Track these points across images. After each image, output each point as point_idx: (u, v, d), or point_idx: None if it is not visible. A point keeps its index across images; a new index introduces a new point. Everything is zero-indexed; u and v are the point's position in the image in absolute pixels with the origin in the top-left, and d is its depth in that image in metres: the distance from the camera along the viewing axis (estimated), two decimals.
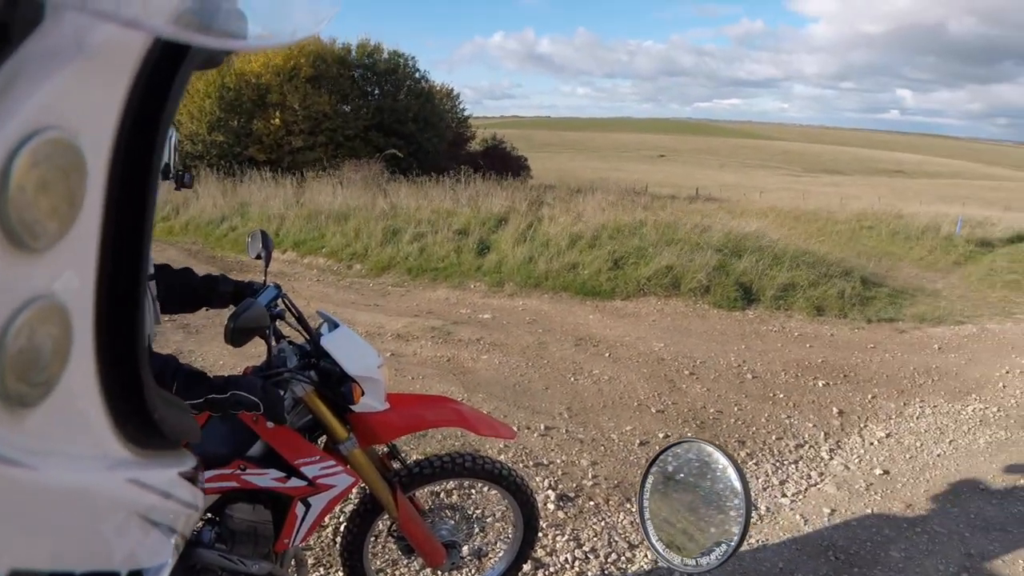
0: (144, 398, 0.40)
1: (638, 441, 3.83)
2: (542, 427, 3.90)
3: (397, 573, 2.46)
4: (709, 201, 19.08)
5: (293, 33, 0.33)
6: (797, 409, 4.53)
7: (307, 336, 1.82)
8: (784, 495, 3.42)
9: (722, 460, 0.86)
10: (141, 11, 0.28)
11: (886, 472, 3.68)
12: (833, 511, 3.25)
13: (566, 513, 3.06)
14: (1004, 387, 5.12)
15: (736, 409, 4.44)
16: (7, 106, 0.27)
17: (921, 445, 4.07)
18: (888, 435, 4.21)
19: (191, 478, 0.49)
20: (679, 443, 0.93)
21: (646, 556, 2.80)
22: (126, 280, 0.36)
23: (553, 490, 3.22)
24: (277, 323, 1.79)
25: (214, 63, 0.38)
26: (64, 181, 0.30)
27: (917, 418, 4.50)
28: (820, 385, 4.99)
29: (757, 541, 2.96)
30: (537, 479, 3.30)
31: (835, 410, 4.54)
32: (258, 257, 1.89)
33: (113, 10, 0.27)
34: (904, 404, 4.74)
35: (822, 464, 3.80)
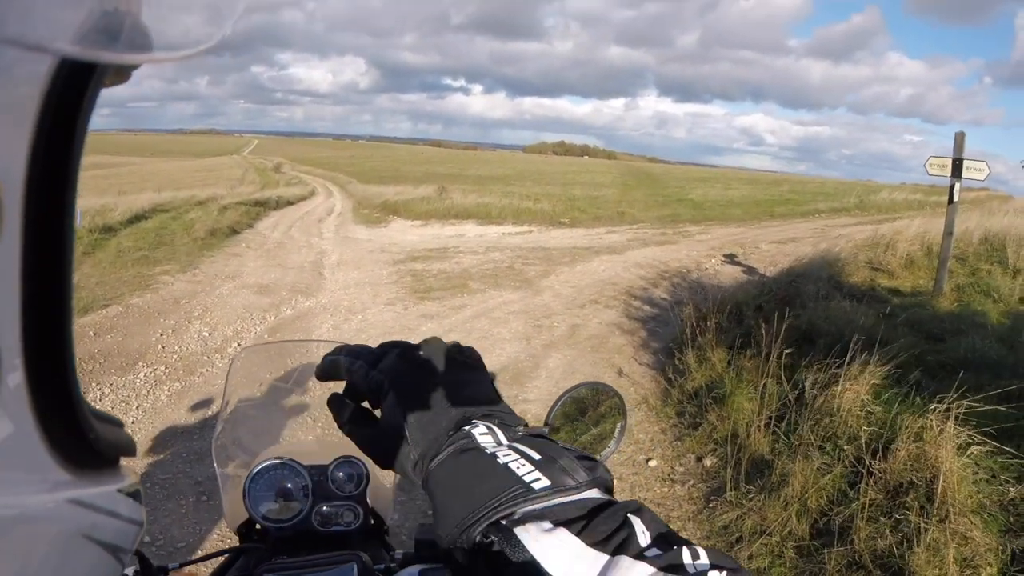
0: (78, 418, 0.38)
1: None
2: None
3: None
4: None
5: (196, 43, 0.31)
6: None
7: None
8: None
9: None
10: (46, 34, 0.27)
11: None
12: None
13: None
14: (163, 348, 5.74)
15: None
16: None
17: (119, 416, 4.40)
18: None
19: (132, 494, 0.48)
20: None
21: None
22: (53, 307, 0.34)
23: None
24: None
25: (121, 78, 0.37)
26: None
27: (100, 400, 4.81)
28: None
29: None
30: None
31: None
32: None
33: (17, 35, 0.26)
34: (86, 391, 4.93)
35: None
